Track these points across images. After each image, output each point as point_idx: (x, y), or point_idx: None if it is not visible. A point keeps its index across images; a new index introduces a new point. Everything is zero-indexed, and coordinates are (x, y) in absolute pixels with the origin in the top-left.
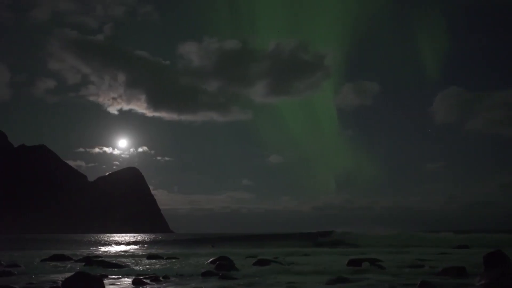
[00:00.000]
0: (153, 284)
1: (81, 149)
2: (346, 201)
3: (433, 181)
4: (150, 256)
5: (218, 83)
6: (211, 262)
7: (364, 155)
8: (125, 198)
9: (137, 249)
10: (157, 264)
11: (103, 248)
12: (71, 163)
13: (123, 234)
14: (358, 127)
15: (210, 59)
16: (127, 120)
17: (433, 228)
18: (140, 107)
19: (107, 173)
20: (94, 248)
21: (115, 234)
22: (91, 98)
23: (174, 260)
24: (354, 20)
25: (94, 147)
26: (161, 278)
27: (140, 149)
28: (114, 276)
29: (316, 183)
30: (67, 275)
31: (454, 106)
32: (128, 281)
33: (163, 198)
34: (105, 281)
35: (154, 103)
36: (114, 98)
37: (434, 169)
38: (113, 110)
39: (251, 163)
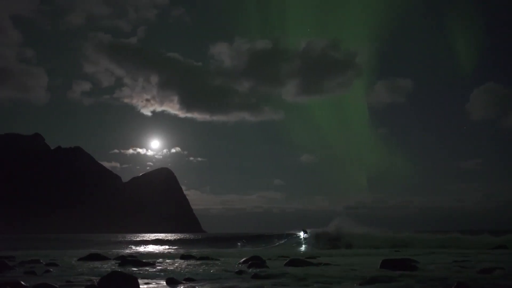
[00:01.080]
0: (187, 284)
1: (116, 151)
2: (378, 200)
3: (469, 179)
4: (183, 256)
5: (249, 83)
6: (244, 262)
7: (397, 153)
8: (158, 199)
9: (170, 249)
10: (190, 264)
11: (137, 248)
12: (106, 164)
13: (156, 234)
14: (391, 125)
15: (241, 59)
16: (160, 121)
17: (469, 227)
18: (173, 108)
19: (140, 174)
20: (129, 248)
21: (148, 234)
22: (125, 100)
23: (207, 260)
24: (385, 16)
25: (128, 149)
26: (194, 278)
27: (173, 150)
28: (148, 276)
29: (348, 182)
30: (103, 274)
31: (491, 103)
32: (162, 280)
33: (196, 198)
34: (140, 281)
35: (186, 104)
36: (147, 100)
37: (469, 167)
38: (147, 111)
39: (283, 163)
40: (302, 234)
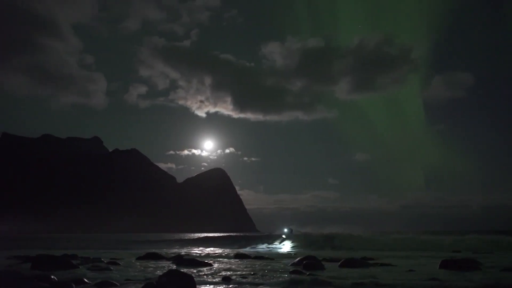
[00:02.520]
0: (242, 282)
1: (172, 152)
2: (437, 199)
3: None
4: (238, 255)
5: (302, 82)
6: (298, 261)
7: (455, 150)
8: (211, 199)
9: (225, 248)
10: (245, 263)
11: (192, 247)
12: (162, 165)
13: (211, 234)
14: (449, 121)
15: (294, 58)
16: (214, 122)
17: None
18: (227, 109)
19: (195, 175)
20: (184, 247)
21: (202, 234)
22: (180, 102)
23: (261, 260)
24: (441, 6)
25: (183, 150)
26: (249, 277)
27: (227, 150)
28: (204, 274)
29: (403, 180)
30: (161, 273)
31: None
32: (217, 278)
33: (249, 198)
34: (196, 279)
35: (240, 104)
36: (201, 101)
37: None
38: (201, 112)
39: (337, 162)
40: (286, 231)
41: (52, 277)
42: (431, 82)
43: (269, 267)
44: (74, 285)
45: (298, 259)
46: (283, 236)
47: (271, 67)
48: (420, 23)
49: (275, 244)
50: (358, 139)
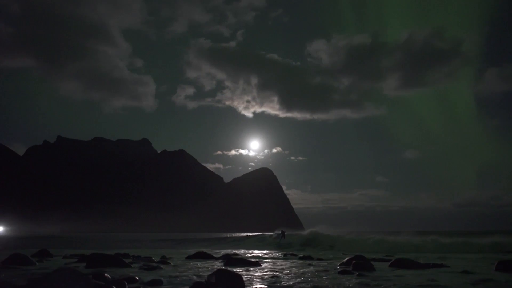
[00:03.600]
0: (290, 281)
1: (219, 152)
2: (492, 198)
3: None
4: (286, 255)
5: (349, 79)
6: (347, 261)
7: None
8: (258, 198)
9: (273, 248)
10: (293, 263)
11: (240, 247)
12: (210, 166)
13: (258, 233)
14: (504, 116)
15: (340, 56)
16: (261, 122)
17: None
18: (273, 109)
19: (241, 175)
20: (232, 247)
21: (250, 233)
22: (227, 102)
23: (309, 260)
24: None
25: (230, 150)
26: (298, 276)
27: (274, 150)
28: (252, 273)
29: (456, 178)
30: (210, 272)
31: None
32: (266, 278)
33: (296, 197)
34: (244, 278)
35: (286, 104)
36: (248, 101)
37: None
38: (248, 113)
39: (386, 159)
40: (278, 235)
41: (105, 275)
42: (484, 76)
43: (318, 267)
44: (126, 283)
45: (346, 259)
46: (279, 238)
47: (317, 65)
48: (471, 15)
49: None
50: (408, 136)
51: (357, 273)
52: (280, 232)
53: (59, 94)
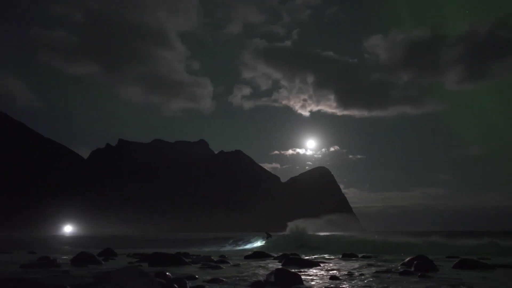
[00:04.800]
0: (350, 281)
1: (276, 152)
2: None
3: None
4: (345, 255)
5: (408, 75)
6: (409, 261)
7: None
8: (315, 197)
9: (332, 247)
10: (352, 262)
11: (297, 247)
12: (267, 165)
13: (317, 233)
14: None
15: (398, 51)
16: (318, 120)
17: None
18: (330, 107)
19: (298, 174)
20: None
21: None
22: (283, 102)
23: (369, 259)
24: None
25: (287, 149)
26: (357, 275)
27: (331, 149)
28: (311, 273)
29: None
30: (268, 271)
31: None
32: (325, 278)
33: (355, 196)
34: (303, 277)
35: (343, 101)
36: (304, 100)
37: None
38: (304, 111)
39: (448, 156)
40: (266, 237)
41: (167, 273)
42: None
43: (379, 267)
44: (187, 281)
45: (408, 258)
46: (262, 238)
47: (375, 61)
48: None
49: (244, 245)
50: (471, 132)
51: (419, 274)
52: (269, 234)
53: (120, 98)
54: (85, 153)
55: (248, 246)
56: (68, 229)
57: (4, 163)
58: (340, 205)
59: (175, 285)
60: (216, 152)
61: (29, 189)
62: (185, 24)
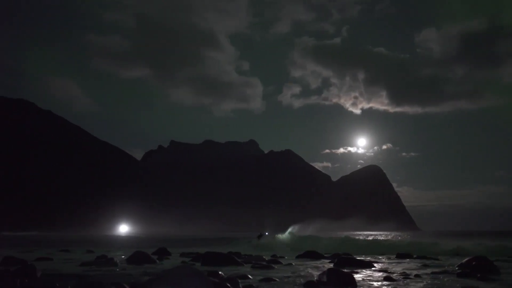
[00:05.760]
0: (405, 281)
1: (327, 151)
2: None
3: None
4: (399, 255)
5: (463, 69)
6: (467, 262)
7: None
8: (366, 196)
9: (384, 247)
10: (407, 263)
11: (348, 247)
12: (318, 164)
13: (368, 232)
14: None
15: (452, 44)
16: (369, 118)
17: None
18: (382, 104)
19: (349, 173)
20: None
21: (359, 232)
22: (333, 100)
23: (424, 259)
24: None
25: (338, 148)
26: (412, 276)
27: (384, 146)
28: (364, 273)
29: None
30: (320, 271)
31: None
32: (379, 278)
33: (408, 195)
34: (356, 277)
35: (395, 98)
36: (355, 98)
37: None
38: (355, 109)
39: (506, 153)
40: (259, 237)
41: (220, 272)
42: None
43: (434, 267)
44: (239, 280)
45: (466, 259)
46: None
47: (427, 56)
48: None
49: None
50: None
51: (479, 275)
52: (260, 234)
53: (171, 101)
54: (138, 155)
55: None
56: (123, 229)
57: (63, 166)
58: (393, 204)
59: (228, 284)
60: (266, 152)
61: (86, 190)
62: (234, 25)
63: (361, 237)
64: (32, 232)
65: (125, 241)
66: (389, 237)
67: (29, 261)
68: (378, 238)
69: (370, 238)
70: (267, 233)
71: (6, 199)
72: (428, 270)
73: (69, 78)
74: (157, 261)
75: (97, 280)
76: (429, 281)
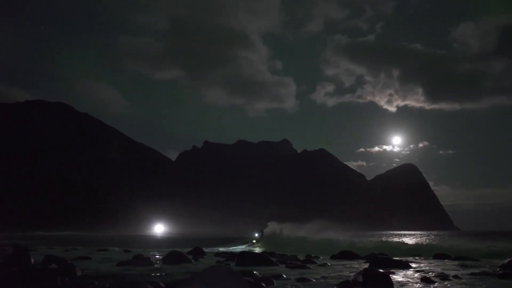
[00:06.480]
0: (443, 283)
1: (362, 149)
2: None
3: None
4: (437, 255)
5: (503, 63)
6: (509, 262)
7: None
8: (402, 195)
9: (421, 247)
10: (445, 264)
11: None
12: (352, 164)
13: (404, 232)
14: None
15: (490, 38)
16: (405, 116)
17: None
18: (418, 101)
19: (384, 171)
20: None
21: (396, 232)
22: (368, 98)
23: (463, 260)
24: None
25: (373, 147)
26: (451, 277)
27: (420, 144)
28: (401, 274)
29: None
30: (355, 271)
31: None
32: (416, 279)
33: (445, 193)
34: (392, 277)
35: (432, 95)
36: (390, 95)
37: None
38: (390, 107)
39: None
40: (256, 235)
41: (254, 272)
42: None
43: (473, 268)
44: (274, 280)
45: (508, 260)
46: (254, 239)
47: (465, 51)
48: None
49: (240, 246)
50: None
51: None
52: (260, 232)
53: (205, 101)
54: (173, 156)
55: (241, 246)
56: (159, 228)
57: (99, 167)
58: (430, 202)
59: (263, 284)
60: (299, 152)
61: (123, 191)
62: (266, 24)
63: (396, 238)
64: (66, 232)
65: (160, 240)
66: (427, 237)
67: (68, 260)
68: (415, 238)
69: (407, 237)
70: (262, 233)
71: (45, 199)
72: (468, 271)
73: (105, 81)
74: (192, 260)
75: (134, 279)
76: (468, 283)
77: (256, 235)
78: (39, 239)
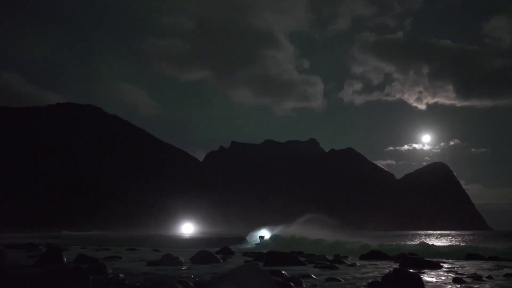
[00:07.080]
0: (475, 284)
1: (391, 148)
2: None
3: None
4: (468, 256)
5: None
6: None
7: None
8: (432, 195)
9: (452, 247)
10: (478, 264)
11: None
12: (381, 163)
13: (435, 232)
14: None
15: None
16: (435, 113)
17: None
18: (448, 98)
19: (413, 170)
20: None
21: (427, 232)
22: (396, 95)
23: (496, 261)
24: None
25: (403, 145)
26: (484, 278)
27: (451, 142)
28: (432, 274)
29: None
30: (385, 272)
31: None
32: (447, 280)
33: (477, 192)
34: (423, 278)
35: (463, 92)
36: (420, 92)
37: None
38: (420, 104)
39: None
40: (258, 238)
41: (283, 272)
42: None
43: (508, 269)
44: (302, 280)
45: None
46: (257, 240)
47: (497, 46)
48: None
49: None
50: None
51: None
52: (261, 235)
53: (232, 101)
54: (200, 156)
55: (246, 246)
56: (187, 228)
57: (128, 169)
58: (461, 202)
59: (291, 284)
60: (327, 151)
61: (151, 191)
62: (293, 23)
63: (427, 238)
64: (94, 232)
65: (189, 240)
66: (459, 237)
67: (99, 259)
68: (446, 238)
69: (437, 237)
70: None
71: (75, 199)
72: (502, 272)
73: (132, 82)
74: (221, 260)
75: (164, 279)
76: (502, 284)
77: (258, 237)
78: (67, 239)
